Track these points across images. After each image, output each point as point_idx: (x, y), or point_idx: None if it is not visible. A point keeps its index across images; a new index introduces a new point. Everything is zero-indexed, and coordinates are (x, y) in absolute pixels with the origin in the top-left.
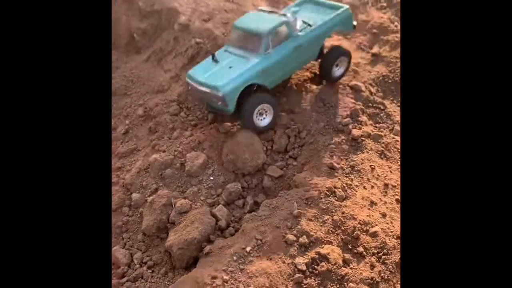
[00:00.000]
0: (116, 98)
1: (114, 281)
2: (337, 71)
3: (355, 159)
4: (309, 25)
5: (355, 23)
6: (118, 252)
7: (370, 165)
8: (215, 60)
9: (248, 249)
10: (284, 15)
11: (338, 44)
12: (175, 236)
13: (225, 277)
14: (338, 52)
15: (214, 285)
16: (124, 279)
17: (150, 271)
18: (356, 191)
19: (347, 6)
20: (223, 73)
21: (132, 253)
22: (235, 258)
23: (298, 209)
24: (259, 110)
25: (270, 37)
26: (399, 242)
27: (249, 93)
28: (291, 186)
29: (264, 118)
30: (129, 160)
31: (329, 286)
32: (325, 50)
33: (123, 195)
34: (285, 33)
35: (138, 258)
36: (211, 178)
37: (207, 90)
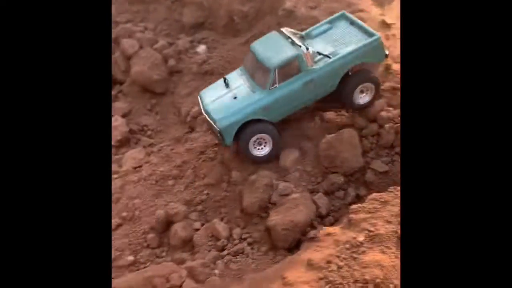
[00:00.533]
0: (214, 77)
1: (214, 253)
2: (361, 98)
3: None
4: (328, 56)
5: (387, 52)
6: (219, 225)
7: None
8: (226, 83)
9: (360, 239)
10: (300, 45)
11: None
12: (279, 217)
13: (340, 263)
14: (363, 78)
15: (329, 269)
16: (225, 252)
17: (250, 247)
18: None
19: (378, 36)
20: (226, 104)
21: (231, 228)
22: (347, 246)
23: None
24: (256, 140)
25: (277, 72)
26: None
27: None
28: (396, 183)
29: (263, 148)
30: None
31: None
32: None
33: (222, 171)
34: (296, 66)
35: (237, 234)
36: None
37: (209, 119)
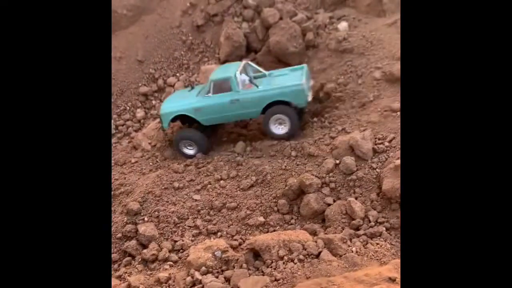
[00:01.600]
0: (352, 56)
1: (349, 230)
2: (277, 129)
3: None
4: (256, 86)
5: (309, 99)
6: (355, 204)
7: None
8: (192, 87)
9: None
10: (242, 72)
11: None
12: None
13: None
14: (278, 110)
15: None
16: (360, 232)
17: (388, 232)
18: None
19: (298, 82)
20: (175, 99)
21: (366, 210)
22: None
23: None
24: (184, 143)
25: (213, 84)
26: None
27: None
28: None
29: (192, 149)
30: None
31: None
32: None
33: None
34: (229, 86)
35: (373, 216)
36: None
37: None
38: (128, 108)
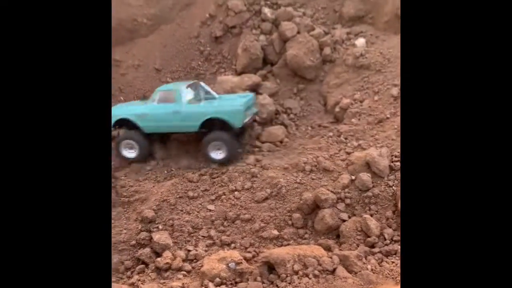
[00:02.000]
0: (369, 72)
1: (364, 247)
2: (215, 154)
3: None
4: (199, 101)
5: (244, 121)
6: (370, 221)
7: None
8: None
9: None
10: (188, 87)
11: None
12: None
13: None
14: (215, 136)
15: None
16: (376, 249)
17: None
18: None
19: (237, 104)
20: (124, 106)
21: (382, 227)
22: None
23: None
24: (125, 145)
25: (159, 95)
26: None
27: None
28: None
29: (132, 152)
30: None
31: None
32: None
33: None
34: (173, 97)
35: (389, 234)
36: None
37: None
38: None
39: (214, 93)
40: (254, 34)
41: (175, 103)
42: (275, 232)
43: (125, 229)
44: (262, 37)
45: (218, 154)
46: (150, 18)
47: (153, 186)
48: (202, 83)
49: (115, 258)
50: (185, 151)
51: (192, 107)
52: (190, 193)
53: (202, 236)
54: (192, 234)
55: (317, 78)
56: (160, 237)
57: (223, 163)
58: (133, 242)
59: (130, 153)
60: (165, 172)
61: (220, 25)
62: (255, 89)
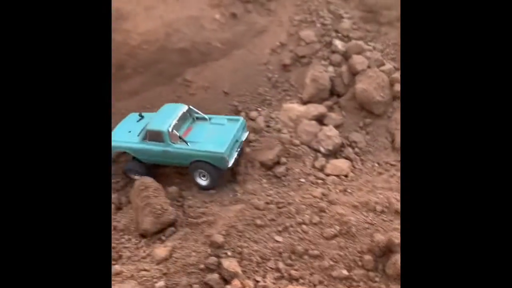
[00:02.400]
0: None
1: None
2: (200, 180)
3: None
4: (186, 142)
5: (229, 165)
6: None
7: None
8: (141, 116)
9: None
10: (181, 119)
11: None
12: None
13: None
14: (200, 166)
15: None
16: None
17: None
18: None
19: (222, 151)
20: (123, 132)
21: None
22: None
23: None
24: (130, 172)
25: (148, 133)
26: None
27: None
28: None
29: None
30: None
31: None
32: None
33: None
34: (162, 137)
35: None
36: None
37: None
38: None
39: (204, 115)
40: (323, 64)
41: (164, 144)
42: (345, 272)
43: (193, 251)
44: (331, 68)
45: (203, 181)
46: (223, 43)
47: (220, 210)
48: (192, 107)
49: (183, 281)
50: (250, 175)
51: (180, 148)
52: (258, 221)
53: (270, 268)
54: (260, 265)
55: (385, 114)
56: (230, 264)
57: (207, 189)
58: (202, 266)
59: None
60: (230, 195)
61: (290, 54)
62: (320, 119)
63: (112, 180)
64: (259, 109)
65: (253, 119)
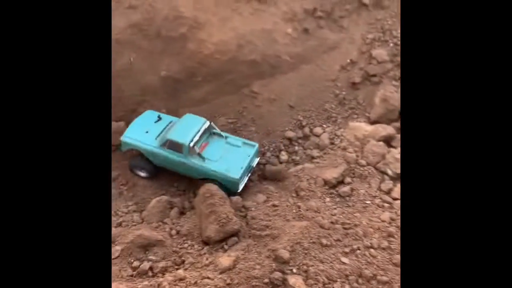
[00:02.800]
0: None
1: None
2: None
3: None
4: (203, 159)
5: (239, 190)
6: None
7: None
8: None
9: None
10: (203, 135)
11: None
12: None
13: None
14: (211, 181)
15: None
16: None
17: None
18: None
19: (236, 177)
20: (139, 130)
21: None
22: None
23: None
24: (136, 168)
25: (168, 142)
26: None
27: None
28: None
29: (143, 173)
30: None
31: None
32: None
33: None
34: (181, 148)
35: None
36: None
37: None
38: (272, 149)
39: (221, 132)
40: (394, 85)
41: (182, 155)
42: None
43: (257, 264)
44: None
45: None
46: (292, 57)
47: (284, 225)
48: (212, 124)
49: None
50: (313, 192)
51: (195, 163)
52: (323, 241)
53: None
54: (326, 286)
55: None
56: (296, 282)
57: None
58: (266, 280)
59: (142, 173)
60: (294, 211)
61: (360, 72)
62: (388, 140)
63: (172, 187)
64: (324, 125)
65: (317, 135)
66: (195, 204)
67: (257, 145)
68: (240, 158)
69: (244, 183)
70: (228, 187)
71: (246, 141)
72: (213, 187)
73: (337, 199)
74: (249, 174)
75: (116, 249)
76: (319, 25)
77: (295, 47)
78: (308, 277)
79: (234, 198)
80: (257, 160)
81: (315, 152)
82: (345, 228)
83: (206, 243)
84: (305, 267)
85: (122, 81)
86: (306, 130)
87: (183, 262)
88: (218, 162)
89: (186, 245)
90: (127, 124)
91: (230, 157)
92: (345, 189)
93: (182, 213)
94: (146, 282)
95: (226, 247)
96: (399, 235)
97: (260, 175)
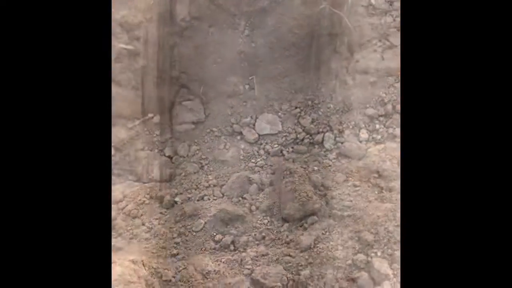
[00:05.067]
0: None
1: None
2: None
3: None
4: None
5: None
6: None
7: None
8: None
9: None
10: None
11: None
12: None
13: None
14: None
15: None
16: None
17: None
18: None
19: None
20: None
21: None
22: None
23: None
24: None
25: None
26: None
27: None
28: None
29: None
30: None
31: None
32: None
33: None
34: None
35: None
36: None
37: None
38: (351, 127)
39: None
40: None
41: None
42: None
43: (340, 245)
44: None
45: None
46: None
47: (366, 206)
48: None
49: (329, 274)
50: (396, 173)
51: None
52: None
53: None
54: None
55: None
56: (381, 265)
57: None
58: (349, 261)
59: None
60: (375, 192)
61: None
62: None
63: (252, 161)
64: None
65: (399, 113)
66: (273, 181)
67: None
68: None
69: None
70: None
71: None
72: (292, 166)
73: None
74: None
75: (199, 222)
76: None
77: None
78: (393, 261)
79: (313, 176)
80: None
81: (398, 131)
82: None
83: (285, 220)
84: (390, 251)
85: None
86: (389, 107)
87: (263, 238)
88: None
89: (265, 221)
90: None
91: None
92: None
93: (261, 189)
94: (229, 256)
95: (306, 225)
96: None
97: (339, 153)
